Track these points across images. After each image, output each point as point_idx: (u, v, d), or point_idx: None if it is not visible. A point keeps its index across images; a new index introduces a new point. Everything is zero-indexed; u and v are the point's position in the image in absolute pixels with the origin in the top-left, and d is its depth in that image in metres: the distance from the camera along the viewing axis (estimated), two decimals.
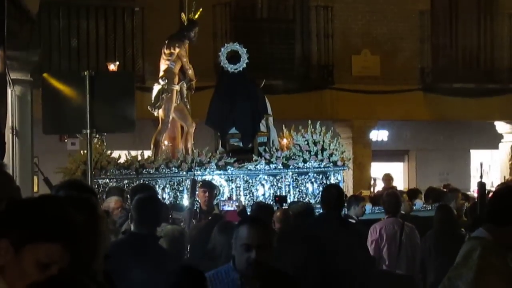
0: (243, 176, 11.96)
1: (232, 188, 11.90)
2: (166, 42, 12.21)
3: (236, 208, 9.72)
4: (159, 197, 11.19)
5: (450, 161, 21.06)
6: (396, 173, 19.29)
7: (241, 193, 11.88)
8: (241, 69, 12.30)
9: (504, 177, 18.42)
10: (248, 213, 9.57)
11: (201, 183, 10.52)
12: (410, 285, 8.91)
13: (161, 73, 12.16)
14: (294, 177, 12.14)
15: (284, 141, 12.49)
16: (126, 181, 11.58)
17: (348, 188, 16.58)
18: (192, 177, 10.39)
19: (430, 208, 11.31)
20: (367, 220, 9.99)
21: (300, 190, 12.10)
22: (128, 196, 9.54)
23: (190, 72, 12.44)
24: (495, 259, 3.76)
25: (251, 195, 11.91)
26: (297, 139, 12.25)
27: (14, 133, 9.16)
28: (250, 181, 11.99)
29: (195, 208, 9.82)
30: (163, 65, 12.18)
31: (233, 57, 12.34)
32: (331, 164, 12.19)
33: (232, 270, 4.39)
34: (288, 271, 5.05)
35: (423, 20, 18.65)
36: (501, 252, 3.81)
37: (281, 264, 5.33)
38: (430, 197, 12.11)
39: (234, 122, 12.24)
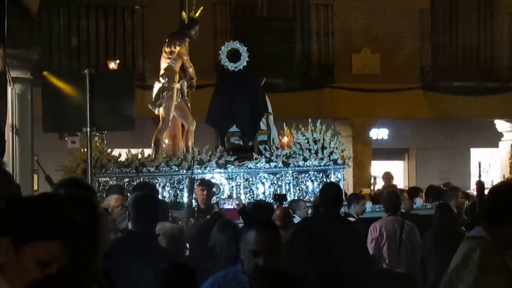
0: (243, 174, 11.96)
1: (232, 187, 11.91)
2: (167, 40, 12.21)
3: (236, 207, 9.72)
4: (160, 195, 11.21)
5: (450, 160, 21.05)
6: (396, 172, 19.28)
7: (241, 191, 11.88)
8: (241, 67, 12.31)
9: (504, 175, 18.40)
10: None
11: (199, 181, 10.52)
12: (410, 283, 8.92)
13: (162, 72, 12.16)
14: (294, 176, 12.14)
15: (285, 139, 12.49)
16: (126, 179, 11.58)
17: (348, 187, 16.58)
18: (190, 176, 10.39)
19: (430, 206, 11.31)
20: (367, 219, 9.98)
21: (300, 189, 12.11)
22: (128, 194, 9.54)
23: (191, 70, 12.44)
24: (495, 259, 3.75)
25: (251, 193, 11.92)
26: (298, 137, 12.26)
27: (14, 131, 9.16)
28: (250, 179, 12.00)
29: (193, 206, 9.82)
30: (164, 63, 12.18)
31: (234, 56, 12.34)
32: (331, 162, 12.20)
33: (241, 273, 4.33)
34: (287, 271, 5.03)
35: (423, 19, 18.64)
36: (501, 251, 3.80)
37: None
38: (431, 195, 12.10)
39: (235, 120, 12.24)
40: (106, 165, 11.55)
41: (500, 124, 20.05)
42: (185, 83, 12.35)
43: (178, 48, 12.12)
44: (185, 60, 12.35)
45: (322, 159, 12.15)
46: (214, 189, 10.81)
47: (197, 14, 12.42)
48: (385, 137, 20.91)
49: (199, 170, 11.70)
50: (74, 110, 7.80)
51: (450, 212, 9.02)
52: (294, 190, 12.07)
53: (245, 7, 18.07)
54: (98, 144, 11.52)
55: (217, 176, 11.84)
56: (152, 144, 12.11)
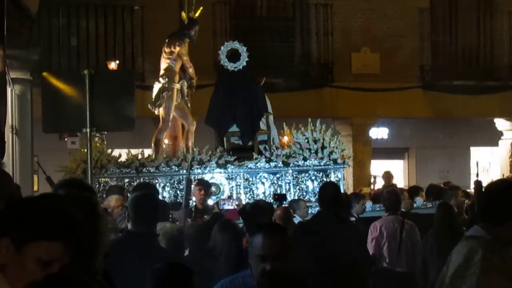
0: (243, 174, 11.97)
1: (232, 186, 11.91)
2: (167, 40, 12.22)
3: (235, 207, 9.70)
4: (160, 195, 11.21)
5: (450, 159, 21.05)
6: (396, 171, 19.28)
7: (241, 191, 11.89)
8: (241, 67, 12.31)
9: (503, 175, 18.39)
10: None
11: (196, 181, 10.52)
12: (411, 282, 8.92)
13: (162, 72, 12.17)
14: (294, 175, 12.15)
15: (285, 139, 12.49)
16: (126, 180, 11.59)
17: (348, 186, 16.58)
18: (187, 176, 10.39)
19: (430, 205, 11.32)
20: (367, 218, 9.99)
21: (301, 188, 12.12)
22: (128, 194, 9.54)
23: (191, 70, 12.44)
24: (496, 259, 3.74)
25: (251, 193, 11.92)
26: (297, 137, 12.26)
27: (14, 132, 9.17)
28: (250, 179, 12.00)
29: (191, 207, 9.82)
30: (164, 63, 12.19)
31: (233, 56, 12.34)
32: (331, 162, 12.20)
33: (249, 277, 4.27)
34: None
35: (422, 18, 18.64)
36: (501, 250, 3.79)
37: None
38: (431, 194, 12.10)
39: (235, 120, 12.24)
40: (106, 166, 11.55)
41: (500, 123, 20.05)
42: (185, 83, 12.35)
43: (178, 49, 12.12)
44: (185, 60, 12.35)
45: (322, 158, 12.16)
46: (214, 189, 10.82)
47: (196, 14, 12.42)
48: (385, 136, 20.91)
49: (199, 170, 11.70)
50: (74, 111, 7.80)
51: (451, 212, 9.03)
52: (294, 190, 12.07)
53: (244, 7, 18.07)
54: (98, 144, 11.53)
55: (217, 176, 11.84)
56: (152, 145, 12.12)
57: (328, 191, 7.24)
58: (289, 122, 12.72)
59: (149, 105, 12.03)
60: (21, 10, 8.79)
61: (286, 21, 18.26)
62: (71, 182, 4.00)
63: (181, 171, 11.66)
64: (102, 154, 11.61)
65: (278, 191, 11.66)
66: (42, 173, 9.37)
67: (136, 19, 16.68)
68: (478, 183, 8.70)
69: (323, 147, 12.20)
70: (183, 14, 12.55)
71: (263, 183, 12.02)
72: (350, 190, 15.22)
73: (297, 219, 9.25)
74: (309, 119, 12.43)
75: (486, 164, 21.13)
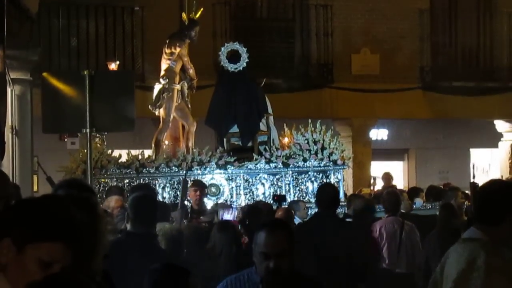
0: (243, 175, 11.96)
1: (232, 187, 11.91)
2: (167, 41, 12.22)
3: (235, 218, 9.55)
4: (159, 196, 11.22)
5: (450, 160, 21.04)
6: (396, 172, 19.29)
7: (241, 192, 11.88)
8: (241, 68, 12.31)
9: (502, 176, 18.38)
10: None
11: (192, 182, 10.51)
12: (410, 283, 8.92)
13: (162, 73, 12.17)
14: (294, 176, 12.14)
15: (286, 140, 12.49)
16: (126, 180, 11.59)
17: (348, 187, 16.58)
18: (184, 177, 10.39)
19: (430, 206, 11.32)
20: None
21: (300, 189, 12.11)
22: (128, 195, 9.54)
23: (191, 71, 12.45)
24: (498, 260, 3.75)
25: (251, 194, 11.91)
26: (297, 138, 12.26)
27: (14, 132, 9.18)
28: (250, 180, 12.00)
29: (187, 207, 9.81)
30: (164, 64, 12.19)
31: (233, 56, 12.35)
32: (331, 163, 12.20)
33: (254, 274, 4.26)
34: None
35: (422, 19, 18.65)
36: (500, 251, 3.80)
37: None
38: (431, 195, 12.10)
39: (235, 121, 12.24)
40: (106, 166, 11.55)
41: (500, 124, 20.05)
42: (186, 84, 12.36)
43: (178, 49, 12.13)
44: (185, 61, 12.36)
45: (322, 159, 12.15)
46: (214, 190, 10.81)
47: (197, 15, 12.42)
48: (385, 137, 20.91)
49: (199, 171, 11.70)
50: (74, 111, 7.80)
51: (453, 212, 9.03)
52: (294, 191, 12.06)
53: (244, 8, 18.07)
54: (98, 145, 11.53)
55: (217, 177, 11.84)
56: (153, 145, 12.12)
57: (327, 192, 7.25)
58: (289, 123, 12.72)
59: (149, 106, 12.03)
60: (21, 11, 8.80)
61: (286, 22, 18.27)
62: (71, 182, 4.01)
63: (181, 172, 11.66)
64: (102, 154, 11.61)
65: (278, 192, 11.66)
66: (42, 173, 9.37)
67: (136, 20, 16.68)
68: (473, 185, 8.70)
69: (323, 148, 12.19)
70: (184, 15, 12.56)
71: (263, 184, 12.02)
72: (350, 191, 15.22)
73: (296, 220, 9.24)
74: (309, 120, 12.43)
75: (485, 166, 21.13)
